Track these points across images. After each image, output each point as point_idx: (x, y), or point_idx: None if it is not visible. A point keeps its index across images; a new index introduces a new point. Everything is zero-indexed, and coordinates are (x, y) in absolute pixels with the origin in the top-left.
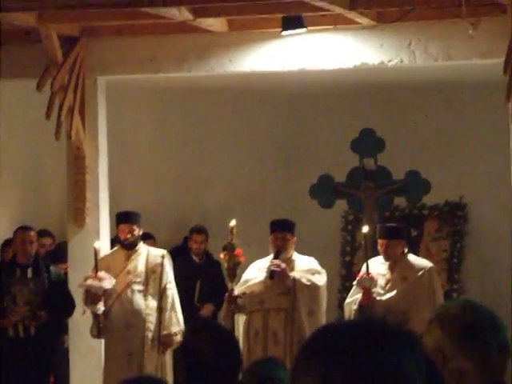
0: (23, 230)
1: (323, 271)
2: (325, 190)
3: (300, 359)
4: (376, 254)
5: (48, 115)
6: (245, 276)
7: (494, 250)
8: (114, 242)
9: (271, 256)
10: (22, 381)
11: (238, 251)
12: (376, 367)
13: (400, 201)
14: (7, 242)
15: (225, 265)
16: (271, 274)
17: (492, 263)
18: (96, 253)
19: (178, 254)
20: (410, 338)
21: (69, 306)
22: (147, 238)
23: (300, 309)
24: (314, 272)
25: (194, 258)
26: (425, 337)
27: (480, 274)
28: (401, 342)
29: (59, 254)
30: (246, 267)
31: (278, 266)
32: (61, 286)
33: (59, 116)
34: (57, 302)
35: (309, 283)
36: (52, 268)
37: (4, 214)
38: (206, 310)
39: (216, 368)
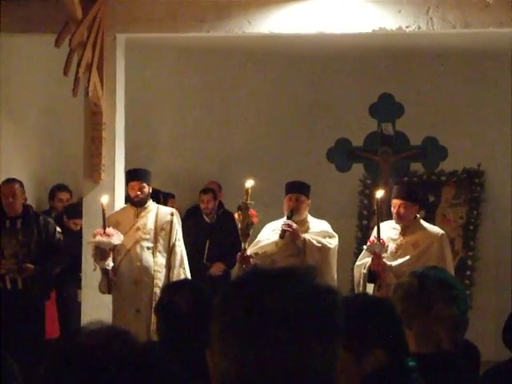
0: (4, 183)
1: (335, 235)
2: (342, 154)
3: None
4: (388, 218)
5: (66, 71)
6: (259, 237)
7: (509, 218)
8: (127, 199)
9: (285, 217)
10: (14, 332)
11: (252, 212)
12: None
13: (417, 166)
14: None
15: (238, 225)
16: (282, 234)
17: (507, 231)
18: (103, 208)
19: (194, 214)
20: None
21: (58, 258)
22: (170, 197)
23: None
24: (325, 235)
25: (205, 217)
26: None
27: (495, 242)
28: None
29: (77, 209)
30: (260, 228)
31: (290, 226)
32: (49, 237)
33: (77, 72)
34: (44, 254)
35: (319, 245)
36: (41, 218)
37: (23, 169)
38: (215, 268)
39: (191, 323)
